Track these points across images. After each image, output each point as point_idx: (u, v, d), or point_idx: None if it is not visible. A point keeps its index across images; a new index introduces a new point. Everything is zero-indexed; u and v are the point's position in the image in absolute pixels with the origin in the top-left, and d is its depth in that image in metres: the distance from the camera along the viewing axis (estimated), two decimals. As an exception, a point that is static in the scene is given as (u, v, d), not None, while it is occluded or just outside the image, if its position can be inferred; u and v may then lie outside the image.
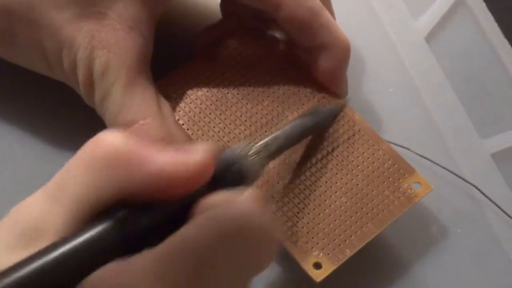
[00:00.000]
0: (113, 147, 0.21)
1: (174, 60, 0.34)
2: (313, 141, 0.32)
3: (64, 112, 0.34)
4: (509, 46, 0.38)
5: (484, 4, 0.39)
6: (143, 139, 0.21)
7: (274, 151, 0.28)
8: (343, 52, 0.33)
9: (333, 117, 0.32)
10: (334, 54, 0.33)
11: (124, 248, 0.20)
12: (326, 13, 0.32)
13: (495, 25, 0.39)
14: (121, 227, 0.20)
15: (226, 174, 0.23)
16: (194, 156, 0.21)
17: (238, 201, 0.21)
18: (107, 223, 0.20)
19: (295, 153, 0.31)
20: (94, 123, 0.31)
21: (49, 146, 0.34)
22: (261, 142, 0.27)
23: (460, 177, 0.34)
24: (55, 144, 0.34)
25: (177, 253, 0.20)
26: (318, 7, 0.32)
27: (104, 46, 0.30)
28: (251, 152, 0.25)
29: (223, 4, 0.36)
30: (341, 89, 0.34)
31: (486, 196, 0.34)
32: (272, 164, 0.31)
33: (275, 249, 0.22)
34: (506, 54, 0.38)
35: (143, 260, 0.20)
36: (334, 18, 0.34)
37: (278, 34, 0.35)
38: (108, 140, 0.21)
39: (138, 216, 0.21)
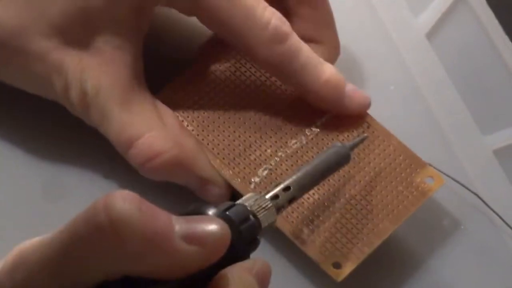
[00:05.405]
0: (123, 217, 0.18)
1: (173, 70, 0.34)
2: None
3: (66, 114, 0.34)
4: (510, 42, 0.38)
5: (484, 0, 0.39)
6: (154, 208, 0.19)
7: (292, 196, 0.26)
8: (331, 93, 0.31)
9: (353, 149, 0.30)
10: (319, 95, 0.31)
11: None
12: (302, 55, 0.31)
13: (496, 21, 0.39)
14: None
15: (240, 234, 0.22)
16: (211, 230, 0.20)
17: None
18: None
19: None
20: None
21: (51, 149, 0.33)
22: (276, 189, 0.26)
23: (463, 185, 0.34)
24: (57, 147, 0.33)
25: None
26: (293, 52, 0.31)
27: (93, 67, 0.30)
28: (263, 204, 0.24)
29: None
30: (345, 106, 0.32)
31: (487, 205, 0.33)
32: (286, 167, 0.31)
33: None
34: (506, 50, 0.38)
35: None
36: (332, 15, 0.34)
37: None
38: (118, 207, 0.19)
39: None
